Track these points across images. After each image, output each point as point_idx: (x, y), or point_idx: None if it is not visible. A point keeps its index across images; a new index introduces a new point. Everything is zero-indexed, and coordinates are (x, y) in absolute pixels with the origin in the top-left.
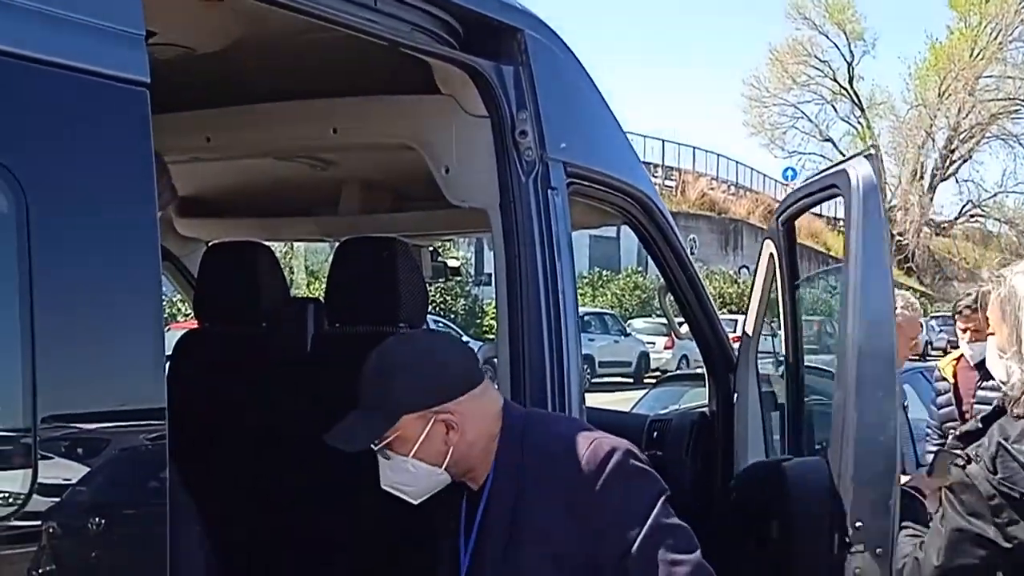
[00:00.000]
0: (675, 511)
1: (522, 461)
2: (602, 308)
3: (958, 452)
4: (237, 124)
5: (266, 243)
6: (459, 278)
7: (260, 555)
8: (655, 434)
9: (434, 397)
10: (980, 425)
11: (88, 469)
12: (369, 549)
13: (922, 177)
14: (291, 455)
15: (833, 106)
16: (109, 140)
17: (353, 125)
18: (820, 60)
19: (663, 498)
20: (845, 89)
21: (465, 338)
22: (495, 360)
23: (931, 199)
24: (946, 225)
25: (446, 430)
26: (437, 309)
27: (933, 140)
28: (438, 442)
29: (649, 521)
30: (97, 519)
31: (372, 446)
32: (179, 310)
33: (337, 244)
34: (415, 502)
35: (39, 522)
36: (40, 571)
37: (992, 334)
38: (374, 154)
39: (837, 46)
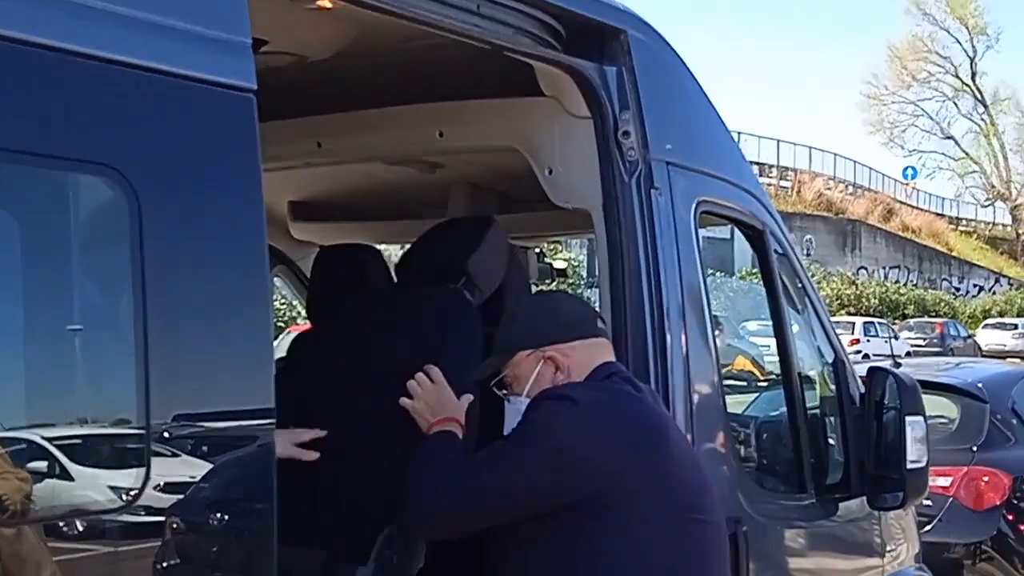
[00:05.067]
0: None
1: None
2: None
3: None
4: (347, 129)
5: (377, 245)
6: (567, 279)
7: None
8: (764, 436)
9: (544, 337)
10: None
11: (199, 466)
12: None
13: None
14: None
15: (955, 103)
16: (217, 145)
17: (459, 128)
18: (941, 56)
19: (538, 425)
20: (967, 85)
21: None
22: None
23: None
24: None
25: (555, 369)
26: None
27: None
28: (547, 381)
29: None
30: (206, 514)
31: (499, 391)
32: (299, 313)
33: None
34: None
35: (151, 517)
36: (152, 564)
37: None
38: (480, 157)
39: (959, 41)
